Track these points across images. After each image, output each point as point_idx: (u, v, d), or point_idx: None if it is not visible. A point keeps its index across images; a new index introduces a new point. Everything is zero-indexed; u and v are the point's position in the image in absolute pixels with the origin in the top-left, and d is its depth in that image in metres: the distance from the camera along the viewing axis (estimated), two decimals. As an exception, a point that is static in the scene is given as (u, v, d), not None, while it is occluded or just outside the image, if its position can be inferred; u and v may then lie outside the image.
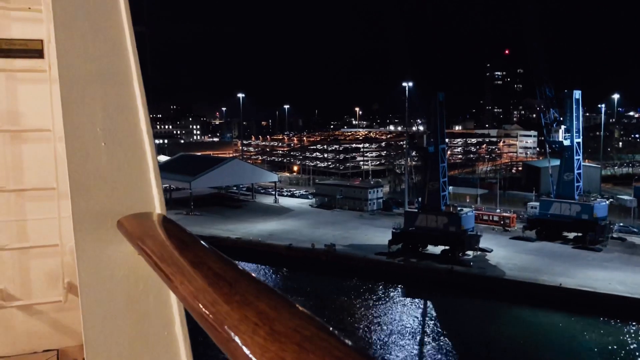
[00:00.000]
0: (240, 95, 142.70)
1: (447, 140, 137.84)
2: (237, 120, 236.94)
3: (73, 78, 2.83)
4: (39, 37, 4.52)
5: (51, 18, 2.94)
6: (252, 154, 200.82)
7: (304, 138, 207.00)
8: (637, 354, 41.99)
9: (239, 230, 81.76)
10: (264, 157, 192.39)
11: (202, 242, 1.82)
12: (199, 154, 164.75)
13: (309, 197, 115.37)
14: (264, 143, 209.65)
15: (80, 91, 2.82)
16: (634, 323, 47.11)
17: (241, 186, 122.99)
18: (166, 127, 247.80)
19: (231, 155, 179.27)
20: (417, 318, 50.85)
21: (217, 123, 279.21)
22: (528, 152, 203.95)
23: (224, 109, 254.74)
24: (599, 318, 48.16)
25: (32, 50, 4.59)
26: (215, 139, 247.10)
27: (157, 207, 2.80)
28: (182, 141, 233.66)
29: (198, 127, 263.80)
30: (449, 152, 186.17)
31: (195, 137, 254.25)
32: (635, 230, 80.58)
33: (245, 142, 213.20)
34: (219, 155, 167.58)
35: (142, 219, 2.51)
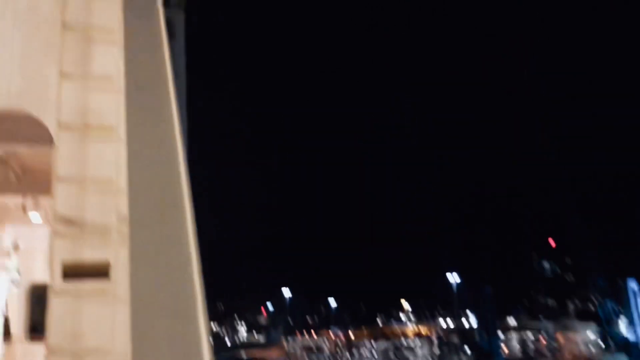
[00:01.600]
0: (285, 290, 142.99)
1: (500, 334, 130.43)
2: (283, 317, 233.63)
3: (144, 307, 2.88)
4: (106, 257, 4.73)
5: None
6: (297, 353, 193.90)
7: (351, 334, 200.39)
8: None
9: None
10: (310, 355, 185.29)
11: None
12: (245, 355, 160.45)
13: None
14: (309, 341, 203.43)
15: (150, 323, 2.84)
16: None
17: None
18: (213, 327, 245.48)
19: (277, 355, 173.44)
20: None
21: (264, 321, 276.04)
22: (591, 347, 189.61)
23: (270, 306, 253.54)
24: None
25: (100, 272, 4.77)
26: (261, 339, 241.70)
27: None
28: (229, 343, 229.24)
29: (243, 324, 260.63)
30: (506, 349, 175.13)
31: (240, 337, 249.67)
32: None
33: (290, 339, 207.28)
34: (265, 357, 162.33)
35: None
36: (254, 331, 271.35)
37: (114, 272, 4.65)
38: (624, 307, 72.52)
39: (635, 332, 71.28)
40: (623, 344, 72.66)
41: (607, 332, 74.38)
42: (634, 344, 71.28)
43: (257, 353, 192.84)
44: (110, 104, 4.92)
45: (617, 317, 72.28)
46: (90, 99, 5.01)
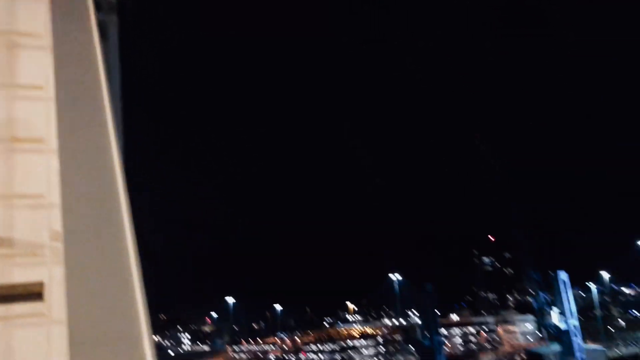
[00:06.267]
0: (229, 298, 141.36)
1: (443, 330, 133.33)
2: (227, 325, 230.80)
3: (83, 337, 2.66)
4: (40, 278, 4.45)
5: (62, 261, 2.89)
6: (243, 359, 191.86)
7: (297, 339, 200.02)
8: None
9: None
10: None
11: None
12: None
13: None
14: (255, 348, 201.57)
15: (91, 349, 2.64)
16: None
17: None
18: (156, 339, 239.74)
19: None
20: None
21: (208, 330, 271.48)
22: (529, 338, 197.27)
23: (213, 314, 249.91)
24: None
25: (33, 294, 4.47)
26: (206, 348, 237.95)
27: None
28: (172, 353, 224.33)
29: (188, 336, 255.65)
30: (447, 344, 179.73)
31: (185, 347, 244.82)
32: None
33: (236, 347, 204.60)
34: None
35: None
36: (198, 341, 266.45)
37: (48, 293, 4.38)
38: (556, 298, 75.84)
39: (566, 321, 74.62)
40: (556, 334, 75.86)
41: (542, 322, 77.51)
42: (565, 333, 74.61)
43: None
44: (39, 114, 4.63)
45: (550, 308, 75.48)
46: (17, 108, 4.71)
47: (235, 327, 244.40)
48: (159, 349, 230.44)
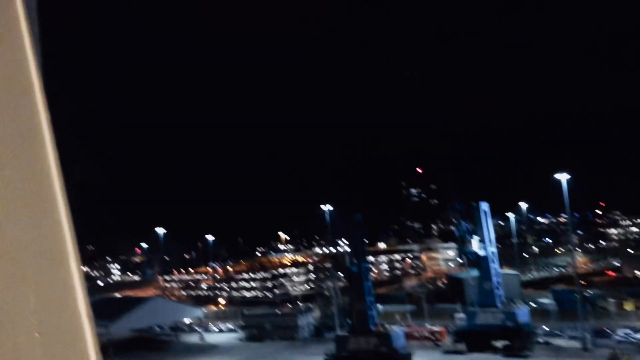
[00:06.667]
0: (160, 229, 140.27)
1: (371, 258, 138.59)
2: (158, 256, 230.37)
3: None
4: None
5: None
6: (175, 289, 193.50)
7: (229, 268, 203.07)
8: None
9: (163, 375, 76.41)
10: (188, 292, 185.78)
11: None
12: (119, 295, 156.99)
13: (238, 330, 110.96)
14: (187, 277, 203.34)
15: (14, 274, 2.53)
16: None
17: (164, 325, 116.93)
18: (84, 269, 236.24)
19: (153, 293, 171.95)
20: None
21: (138, 261, 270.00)
22: (451, 264, 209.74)
23: (143, 244, 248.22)
24: None
25: None
26: (136, 278, 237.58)
27: None
28: (101, 284, 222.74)
29: (117, 266, 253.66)
30: (375, 270, 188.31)
31: (114, 278, 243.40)
32: (557, 333, 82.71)
33: (167, 278, 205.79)
34: (140, 295, 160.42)
35: None
36: (128, 271, 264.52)
37: None
38: (476, 227, 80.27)
39: (485, 248, 79.50)
40: (475, 260, 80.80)
41: (462, 250, 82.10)
42: (484, 259, 79.66)
43: (131, 292, 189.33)
44: None
45: (471, 236, 79.85)
46: None
47: (166, 258, 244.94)
48: (89, 279, 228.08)
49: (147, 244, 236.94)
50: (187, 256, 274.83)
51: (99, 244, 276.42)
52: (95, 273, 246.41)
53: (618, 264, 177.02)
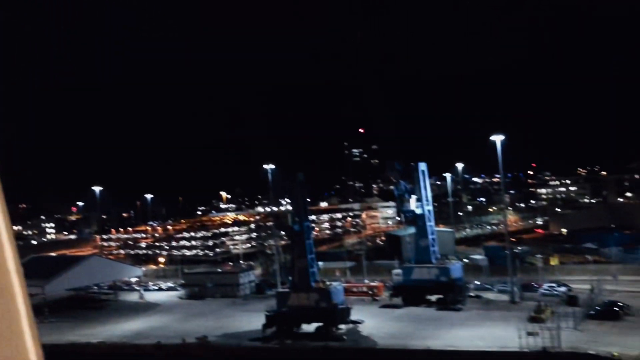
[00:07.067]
0: (97, 188, 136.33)
1: (313, 217, 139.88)
2: (95, 215, 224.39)
3: None
4: None
5: None
6: (113, 248, 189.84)
7: (169, 227, 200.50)
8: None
9: (102, 334, 75.56)
10: (127, 250, 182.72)
11: None
12: (54, 254, 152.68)
13: (178, 289, 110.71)
14: (125, 236, 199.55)
15: None
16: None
17: (102, 285, 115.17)
18: (15, 228, 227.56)
19: (90, 252, 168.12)
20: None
21: (74, 219, 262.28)
22: (389, 222, 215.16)
23: (80, 203, 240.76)
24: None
25: None
26: (72, 237, 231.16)
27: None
28: (35, 242, 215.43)
29: (52, 225, 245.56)
30: (316, 228, 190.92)
31: (49, 237, 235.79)
32: (488, 287, 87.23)
33: (105, 236, 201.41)
34: (77, 254, 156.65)
35: None
36: (64, 230, 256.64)
37: None
38: (415, 187, 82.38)
39: (422, 207, 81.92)
40: (412, 218, 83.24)
41: (401, 208, 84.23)
42: (421, 217, 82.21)
43: (67, 251, 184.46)
44: None
45: (409, 195, 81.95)
46: None
47: (103, 216, 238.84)
48: (20, 239, 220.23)
49: (83, 202, 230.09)
50: (125, 215, 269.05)
51: (33, 202, 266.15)
52: (28, 232, 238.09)
53: (546, 222, 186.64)
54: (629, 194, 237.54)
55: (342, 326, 67.73)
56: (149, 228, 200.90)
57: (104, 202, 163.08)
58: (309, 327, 67.86)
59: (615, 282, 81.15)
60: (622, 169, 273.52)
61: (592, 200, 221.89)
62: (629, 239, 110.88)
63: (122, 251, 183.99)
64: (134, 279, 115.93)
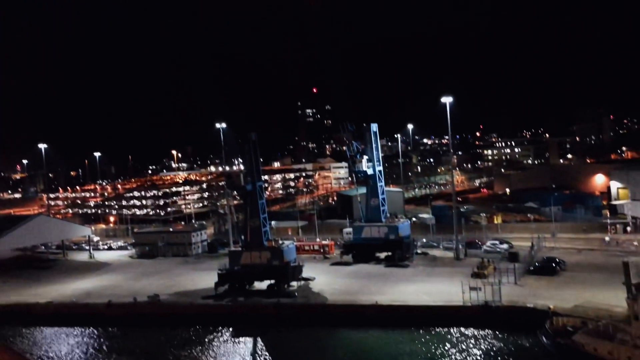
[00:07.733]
0: (43, 145, 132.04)
1: (265, 177, 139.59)
2: (41, 173, 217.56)
3: None
4: None
5: None
6: (60, 207, 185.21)
7: (119, 186, 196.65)
8: (438, 355, 46.95)
9: (50, 294, 74.72)
10: (75, 209, 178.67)
11: None
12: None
13: (129, 248, 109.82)
14: (73, 195, 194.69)
15: None
16: (438, 328, 52.66)
17: (50, 244, 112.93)
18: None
19: (36, 211, 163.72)
20: (247, 359, 51.03)
21: (19, 177, 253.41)
22: (341, 182, 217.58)
23: (25, 161, 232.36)
24: (410, 328, 52.96)
25: None
26: (17, 195, 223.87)
27: None
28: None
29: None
30: (269, 188, 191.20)
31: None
32: (434, 244, 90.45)
33: (52, 195, 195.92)
34: (22, 213, 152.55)
35: None
36: (8, 189, 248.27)
37: None
38: (366, 147, 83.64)
39: (373, 167, 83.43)
40: (364, 178, 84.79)
41: (353, 169, 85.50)
42: (372, 177, 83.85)
43: (12, 210, 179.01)
44: None
45: (361, 156, 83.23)
46: None
47: (50, 175, 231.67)
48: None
49: (28, 160, 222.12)
50: (73, 173, 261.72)
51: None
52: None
53: (491, 182, 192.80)
54: (569, 156, 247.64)
55: (294, 283, 69.27)
56: (98, 187, 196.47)
57: (51, 160, 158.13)
58: (261, 285, 69.13)
59: (553, 240, 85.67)
60: (564, 132, 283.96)
61: (535, 162, 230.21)
62: (568, 199, 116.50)
63: (70, 210, 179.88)
64: (83, 238, 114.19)
